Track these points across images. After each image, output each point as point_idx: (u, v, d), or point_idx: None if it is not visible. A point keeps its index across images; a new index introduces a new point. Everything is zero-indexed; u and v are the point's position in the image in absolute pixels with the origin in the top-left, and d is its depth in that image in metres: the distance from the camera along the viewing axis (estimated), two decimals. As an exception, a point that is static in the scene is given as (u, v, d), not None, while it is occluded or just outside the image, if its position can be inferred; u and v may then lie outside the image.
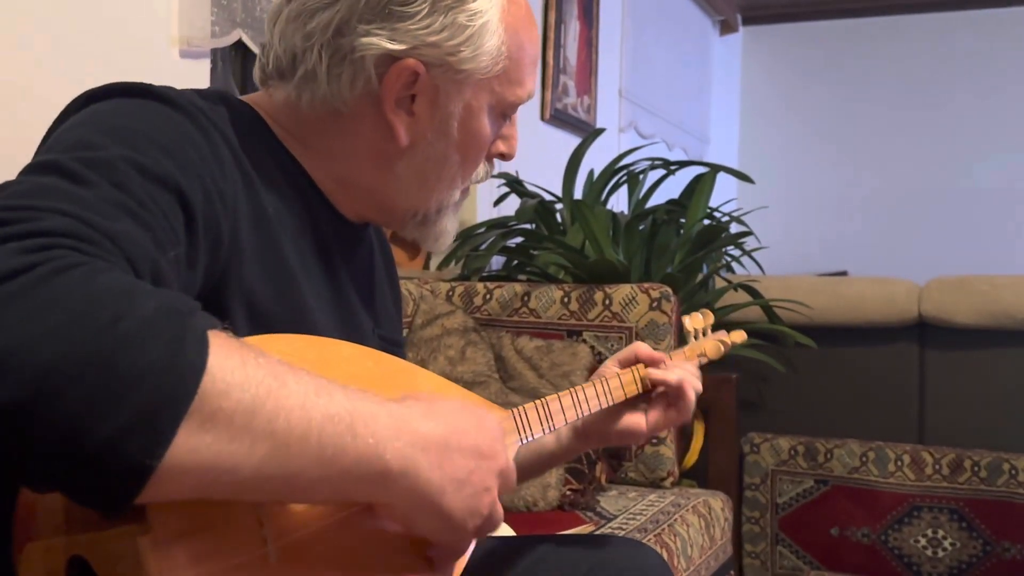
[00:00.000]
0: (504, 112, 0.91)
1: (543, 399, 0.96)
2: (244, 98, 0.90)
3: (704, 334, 1.22)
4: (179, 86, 0.85)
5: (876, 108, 5.22)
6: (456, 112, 0.87)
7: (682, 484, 2.29)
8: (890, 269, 3.86)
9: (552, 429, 0.96)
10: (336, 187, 0.90)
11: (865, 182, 5.23)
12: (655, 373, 1.09)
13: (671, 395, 1.09)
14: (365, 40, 0.82)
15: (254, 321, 0.77)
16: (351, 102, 0.86)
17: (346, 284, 0.92)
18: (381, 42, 0.82)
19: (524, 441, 0.91)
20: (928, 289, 2.73)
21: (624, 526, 1.74)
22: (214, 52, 1.85)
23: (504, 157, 0.95)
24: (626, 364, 1.10)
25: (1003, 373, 2.65)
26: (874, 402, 2.78)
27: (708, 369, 2.56)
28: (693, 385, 1.09)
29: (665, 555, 1.67)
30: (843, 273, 4.99)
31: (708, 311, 1.23)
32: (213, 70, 1.85)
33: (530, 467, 1.13)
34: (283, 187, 0.86)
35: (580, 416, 1.01)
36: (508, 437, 0.88)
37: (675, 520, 1.82)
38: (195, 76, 1.81)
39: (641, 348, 1.11)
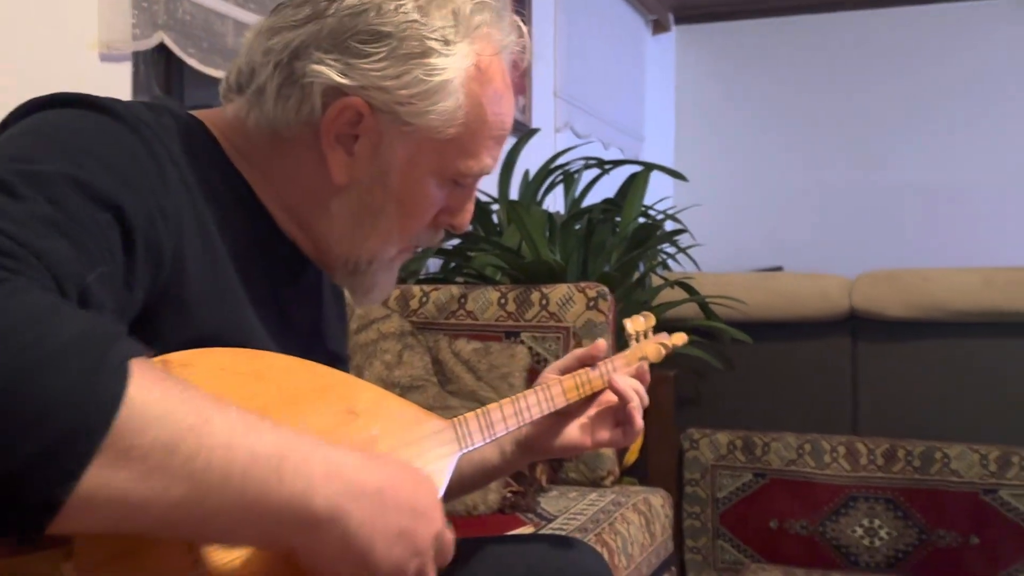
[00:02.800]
0: (455, 180, 0.88)
1: (484, 408, 0.95)
2: (196, 113, 0.88)
3: (645, 336, 1.22)
4: (99, 91, 0.82)
5: (807, 105, 5.31)
6: (397, 164, 0.85)
7: (623, 482, 2.30)
8: (824, 264, 3.93)
9: (493, 437, 0.94)
10: (279, 211, 0.88)
11: (798, 178, 5.31)
12: (615, 380, 1.07)
13: (619, 413, 1.08)
14: (316, 67, 0.81)
15: (195, 342, 0.74)
16: (294, 127, 0.84)
17: (291, 302, 0.90)
18: (331, 73, 0.80)
19: (465, 450, 0.90)
20: (859, 283, 2.78)
21: (564, 526, 1.74)
22: (136, 56, 1.80)
23: (454, 228, 0.92)
24: (567, 371, 1.09)
25: (933, 364, 2.71)
26: (809, 395, 2.83)
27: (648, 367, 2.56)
28: (639, 408, 1.08)
29: (606, 554, 1.67)
30: (778, 269, 5.07)
31: (650, 314, 1.23)
32: (135, 74, 1.80)
33: (473, 480, 1.13)
34: (228, 203, 0.83)
35: (522, 423, 1.00)
36: (448, 447, 0.87)
37: (615, 519, 1.82)
38: (116, 80, 1.76)
39: (594, 354, 1.10)
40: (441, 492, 0.82)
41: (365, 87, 0.81)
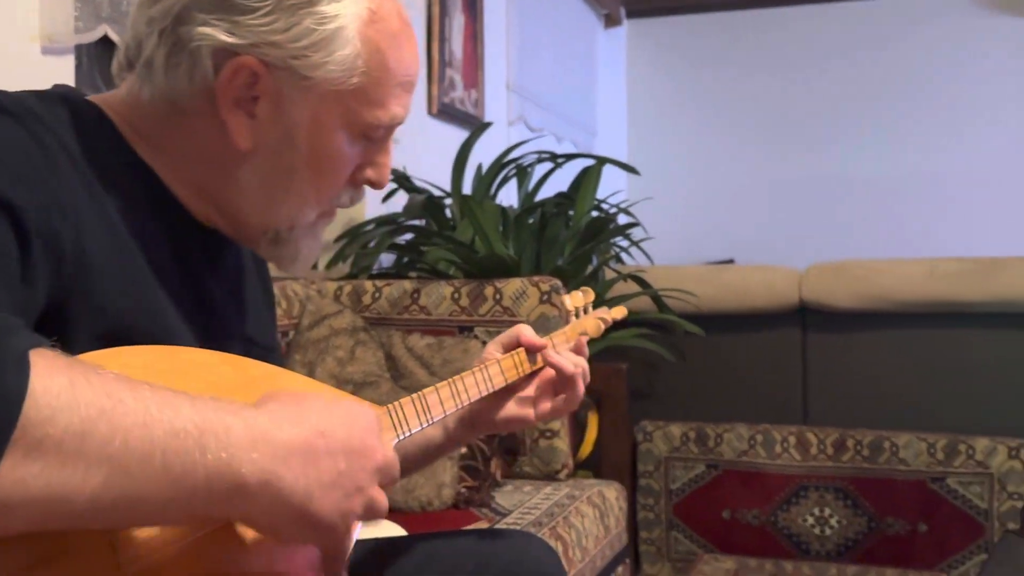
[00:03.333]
0: (365, 133, 0.85)
1: (420, 392, 0.93)
2: (92, 97, 0.85)
3: (585, 311, 1.23)
4: (42, 85, 0.79)
5: (757, 99, 5.36)
6: (302, 122, 0.82)
7: (577, 475, 2.31)
8: (775, 256, 3.97)
9: (431, 422, 0.93)
10: (187, 191, 0.86)
11: (748, 172, 5.37)
12: (552, 356, 1.08)
13: (560, 383, 1.09)
14: (202, 30, 0.77)
15: (109, 335, 0.72)
16: (189, 97, 0.81)
17: (210, 290, 0.88)
18: (218, 34, 0.77)
19: (401, 437, 0.88)
20: (807, 275, 2.82)
21: (519, 521, 1.74)
22: (79, 49, 1.76)
23: (374, 184, 0.90)
24: (508, 348, 1.09)
25: (881, 354, 2.75)
26: (760, 386, 2.86)
27: (599, 359, 2.58)
28: (583, 375, 1.09)
29: (560, 548, 1.67)
30: (730, 261, 5.12)
31: (589, 289, 1.24)
32: (78, 67, 1.76)
33: (417, 459, 1.12)
34: (131, 191, 0.80)
35: (460, 406, 0.99)
36: (386, 434, 0.86)
37: (570, 512, 1.83)
38: (58, 74, 1.72)
39: (524, 333, 1.09)
40: None
41: (256, 44, 0.78)
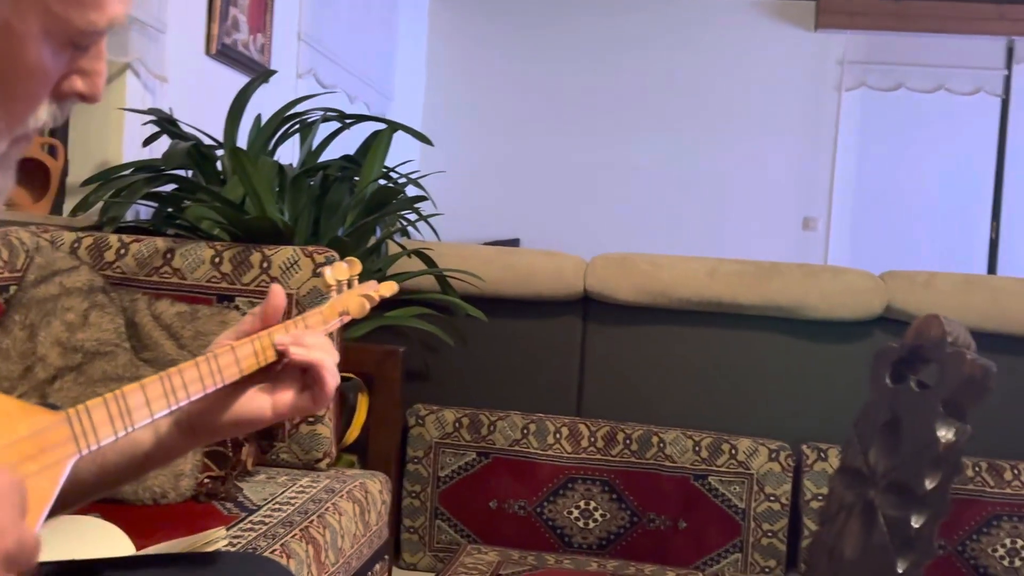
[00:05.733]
0: (74, 41, 0.67)
1: (119, 391, 0.72)
2: None
3: (349, 286, 1.01)
4: None
5: (557, 82, 5.34)
6: None
7: (341, 462, 2.14)
8: (561, 240, 3.94)
9: (130, 429, 0.72)
10: None
11: (543, 153, 5.34)
12: (295, 352, 0.86)
13: (307, 379, 0.88)
14: None
15: None
16: None
17: None
18: None
19: (84, 452, 0.68)
20: (593, 265, 2.77)
21: (267, 519, 1.55)
22: None
23: (85, 98, 0.70)
24: (248, 335, 0.87)
25: (657, 349, 2.75)
26: (539, 374, 2.79)
27: (374, 339, 2.39)
28: (332, 370, 0.88)
29: (311, 551, 1.50)
30: (515, 241, 5.08)
31: (355, 260, 1.02)
32: None
33: (119, 472, 0.88)
34: None
35: (174, 407, 0.77)
36: (62, 449, 0.66)
37: (327, 509, 1.66)
38: None
39: (276, 301, 0.88)
40: (45, 510, 0.62)
41: None
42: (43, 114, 0.68)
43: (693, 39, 5.25)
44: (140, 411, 0.72)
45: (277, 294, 0.88)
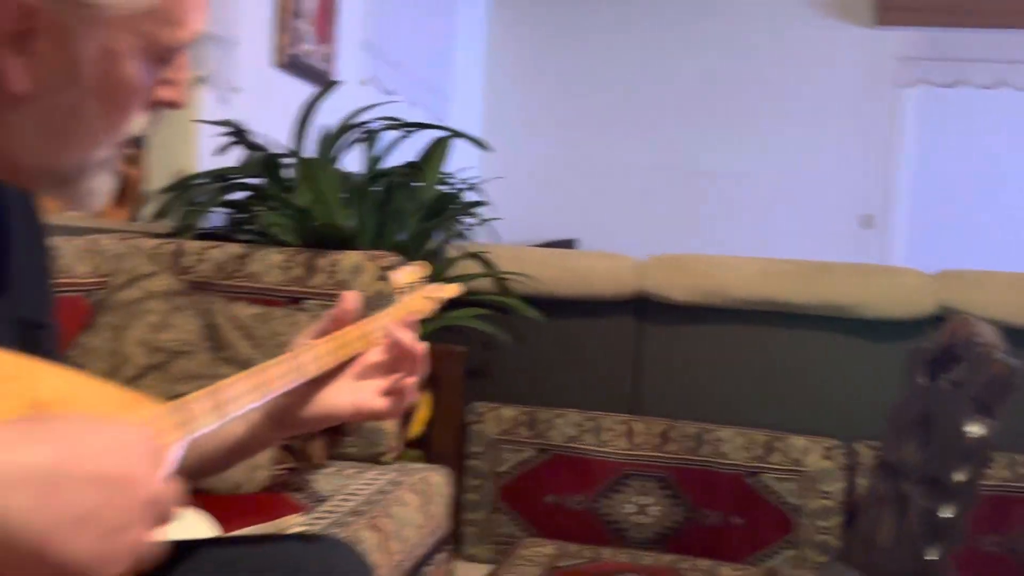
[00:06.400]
0: (163, 56, 0.75)
1: (215, 386, 0.80)
2: None
3: (413, 289, 1.09)
4: None
5: (614, 83, 5.39)
6: (91, 56, 0.70)
7: (405, 457, 2.23)
8: (616, 241, 4.00)
9: (224, 420, 0.80)
10: None
11: (600, 153, 5.40)
12: (395, 331, 0.95)
13: (398, 363, 0.96)
14: None
15: None
16: None
17: None
18: None
19: (186, 440, 0.75)
20: (648, 265, 2.83)
21: (337, 509, 1.65)
22: None
23: (172, 105, 0.79)
24: (321, 335, 0.95)
25: (711, 348, 2.80)
26: (594, 373, 2.86)
27: (436, 339, 2.50)
28: (416, 384, 0.96)
29: (378, 539, 1.60)
30: (571, 242, 5.14)
31: (425, 263, 1.11)
32: None
33: (216, 461, 0.99)
34: None
35: (263, 400, 0.85)
36: (166, 437, 0.75)
37: (392, 500, 1.75)
38: None
39: (347, 305, 0.96)
40: None
41: None
42: (137, 122, 0.78)
43: (750, 38, 5.26)
44: (235, 403, 0.81)
45: (348, 299, 0.97)
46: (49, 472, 0.54)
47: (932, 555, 1.23)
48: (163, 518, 0.61)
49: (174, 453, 0.74)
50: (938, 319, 2.66)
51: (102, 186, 0.78)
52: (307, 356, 0.91)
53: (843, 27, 5.21)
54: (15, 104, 0.70)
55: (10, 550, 0.52)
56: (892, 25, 5.13)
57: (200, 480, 0.99)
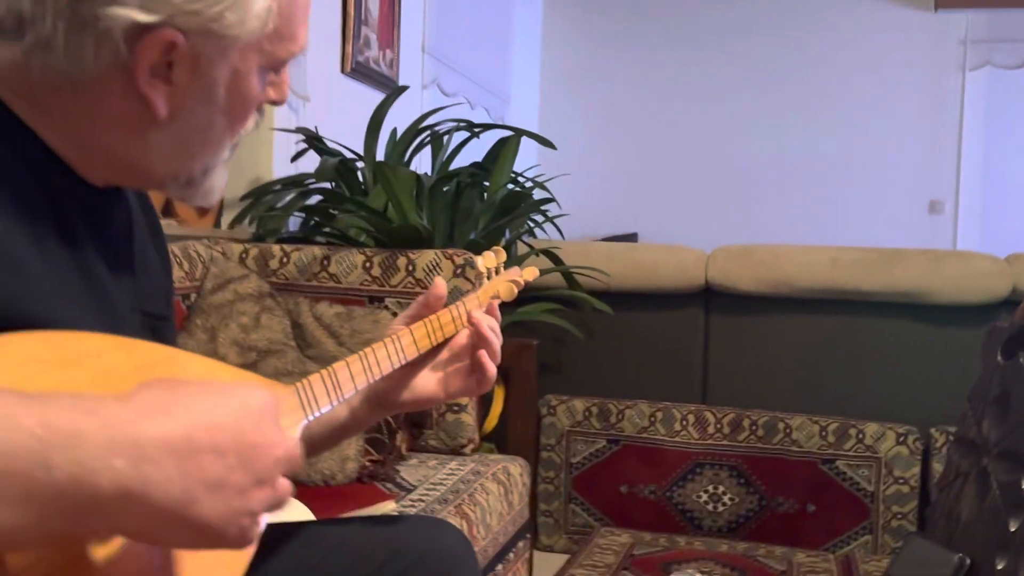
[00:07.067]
0: (276, 67, 0.84)
1: (330, 368, 0.88)
2: None
3: (496, 273, 1.17)
4: None
5: (671, 77, 5.39)
6: (222, 78, 0.78)
7: (482, 450, 2.29)
8: (679, 234, 4.02)
9: (341, 399, 0.88)
10: (78, 154, 0.79)
11: (659, 147, 5.41)
12: (475, 316, 1.03)
13: (473, 363, 1.04)
14: (111, 11, 0.71)
15: None
16: (95, 73, 0.74)
17: (97, 261, 0.81)
18: (130, 13, 0.71)
19: (311, 417, 0.83)
20: (714, 257, 2.86)
21: (424, 497, 1.72)
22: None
23: (276, 103, 0.87)
24: (414, 320, 1.04)
25: (779, 338, 2.82)
26: (663, 365, 2.90)
27: (509, 334, 2.56)
28: (497, 351, 1.04)
29: (465, 526, 1.66)
30: (633, 235, 5.16)
31: (500, 249, 1.19)
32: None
33: (321, 440, 1.06)
34: (2, 161, 0.73)
35: (372, 380, 0.93)
36: (292, 415, 0.81)
37: (475, 489, 1.81)
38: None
39: (438, 291, 1.04)
40: None
41: (172, 16, 0.73)
42: (251, 123, 0.85)
43: (809, 25, 5.23)
44: (346, 385, 0.89)
45: (439, 285, 1.05)
46: (185, 441, 0.58)
47: (1014, 526, 1.24)
48: (294, 470, 0.66)
49: (299, 430, 0.81)
50: (1011, 303, 2.65)
51: (219, 182, 0.86)
52: (407, 339, 0.99)
53: (904, 11, 5.15)
54: (156, 126, 0.77)
55: (154, 515, 0.57)
56: (953, 8, 5.06)
57: (304, 462, 1.07)
